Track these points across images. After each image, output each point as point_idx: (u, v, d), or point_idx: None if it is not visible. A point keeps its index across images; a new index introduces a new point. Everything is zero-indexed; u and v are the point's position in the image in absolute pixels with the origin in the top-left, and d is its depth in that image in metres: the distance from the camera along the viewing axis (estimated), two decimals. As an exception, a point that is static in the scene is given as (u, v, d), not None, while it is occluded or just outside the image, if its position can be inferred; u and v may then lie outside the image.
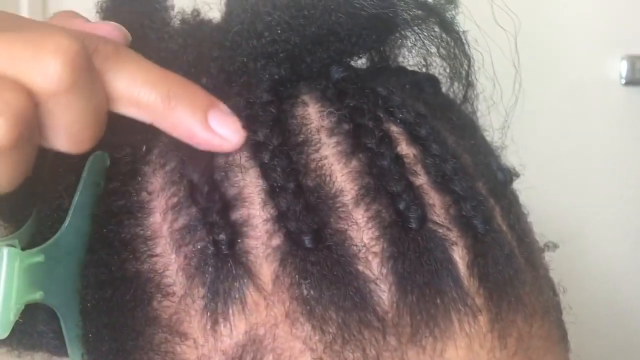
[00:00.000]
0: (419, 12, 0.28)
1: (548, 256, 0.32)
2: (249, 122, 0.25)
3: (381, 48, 0.31)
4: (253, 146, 0.25)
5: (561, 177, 0.95)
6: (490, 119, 0.33)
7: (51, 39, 0.21)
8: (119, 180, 0.26)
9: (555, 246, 0.33)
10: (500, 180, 0.29)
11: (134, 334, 0.25)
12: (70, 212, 0.25)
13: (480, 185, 0.27)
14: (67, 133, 0.23)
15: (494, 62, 0.32)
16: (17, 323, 0.23)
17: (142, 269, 0.25)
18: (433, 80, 0.31)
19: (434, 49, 0.30)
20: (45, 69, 0.21)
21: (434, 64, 0.31)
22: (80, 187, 0.25)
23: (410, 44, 0.30)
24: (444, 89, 0.32)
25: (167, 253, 0.24)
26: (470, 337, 0.23)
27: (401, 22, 0.28)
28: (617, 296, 0.98)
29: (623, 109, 0.98)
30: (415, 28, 0.29)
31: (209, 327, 0.23)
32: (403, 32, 0.29)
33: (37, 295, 0.24)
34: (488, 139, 0.32)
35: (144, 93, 0.23)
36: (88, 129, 0.23)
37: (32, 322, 0.27)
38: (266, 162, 0.24)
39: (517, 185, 0.32)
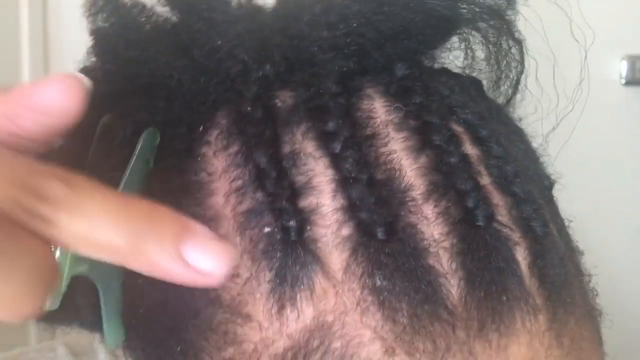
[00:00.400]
0: (484, 15, 0.29)
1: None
2: (317, 112, 0.25)
3: (443, 47, 0.31)
4: (322, 136, 0.25)
5: (560, 177, 0.95)
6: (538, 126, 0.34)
7: None
8: (174, 158, 0.26)
9: (581, 253, 0.33)
10: (547, 186, 0.30)
11: (192, 313, 0.25)
12: (121, 186, 0.25)
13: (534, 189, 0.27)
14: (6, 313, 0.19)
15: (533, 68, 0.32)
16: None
17: None
18: (477, 84, 0.31)
19: (484, 53, 0.30)
20: None
21: (475, 68, 0.31)
22: (133, 162, 0.25)
23: (458, 46, 0.30)
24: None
25: (230, 235, 0.24)
26: (531, 334, 0.24)
27: (464, 24, 0.29)
28: (617, 296, 0.98)
29: (623, 109, 0.98)
30: (475, 30, 0.29)
31: (274, 310, 0.23)
32: (463, 35, 0.29)
33: (83, 268, 0.24)
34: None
35: (105, 234, 0.19)
36: (23, 299, 0.19)
37: (72, 295, 0.27)
38: (337, 152, 0.24)
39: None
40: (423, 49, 0.29)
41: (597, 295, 0.30)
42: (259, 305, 0.24)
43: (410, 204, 0.24)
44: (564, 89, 0.39)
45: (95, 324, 0.27)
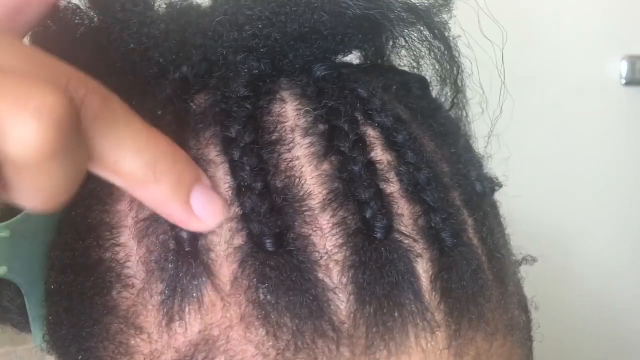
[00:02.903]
0: (408, 15, 0.28)
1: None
2: (222, 116, 0.25)
3: (373, 46, 0.30)
4: (224, 142, 0.24)
5: (561, 177, 0.95)
6: (496, 125, 0.33)
7: (35, 91, 0.17)
8: None
9: (534, 260, 0.32)
10: (478, 191, 0.28)
11: (91, 322, 0.25)
12: None
13: (456, 195, 0.26)
14: (37, 197, 0.19)
15: (488, 68, 0.31)
16: None
17: (104, 256, 0.24)
18: (422, 82, 0.31)
19: (425, 52, 0.30)
20: (22, 133, 0.17)
21: (425, 66, 0.31)
22: None
23: (401, 44, 0.30)
24: (435, 92, 0.32)
25: (129, 243, 0.24)
26: (425, 352, 0.23)
27: (389, 24, 0.28)
28: (616, 296, 0.98)
29: (623, 109, 0.98)
30: (405, 30, 0.29)
31: (164, 323, 0.23)
32: (393, 33, 0.29)
33: (1, 271, 0.24)
34: (481, 146, 0.32)
35: (128, 161, 0.20)
36: (63, 194, 0.19)
37: None
38: (235, 159, 0.24)
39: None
40: (343, 49, 0.28)
41: (523, 305, 0.29)
42: (151, 317, 0.23)
43: (306, 213, 0.23)
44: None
45: (24, 326, 0.28)
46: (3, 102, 0.17)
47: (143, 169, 0.20)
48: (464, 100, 0.32)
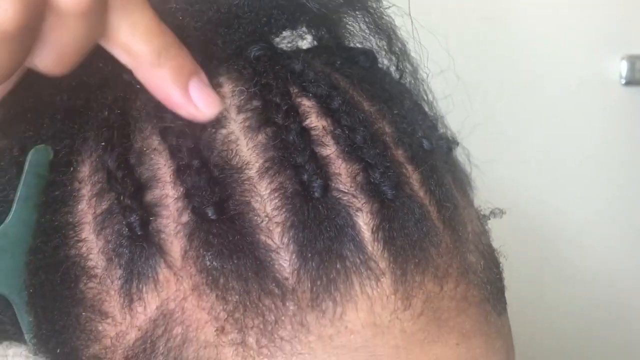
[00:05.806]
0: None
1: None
2: (159, 107, 0.26)
3: (322, 26, 0.32)
4: (162, 130, 0.26)
5: (561, 177, 0.95)
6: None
7: None
8: (56, 171, 0.27)
9: (502, 212, 0.33)
10: (425, 147, 0.29)
11: (63, 315, 0.26)
12: (14, 203, 0.26)
13: (400, 153, 0.28)
14: (58, 53, 0.23)
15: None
16: None
17: (70, 253, 0.26)
18: (367, 54, 0.32)
19: (364, 26, 0.32)
20: None
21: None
22: (23, 180, 0.26)
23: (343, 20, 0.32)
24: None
25: (90, 238, 0.26)
26: (372, 299, 0.24)
27: (309, 2, 0.29)
28: (617, 296, 0.98)
29: (623, 109, 0.98)
30: (330, 5, 0.30)
31: (125, 305, 0.25)
32: (314, 11, 0.30)
33: None
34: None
35: (138, 43, 0.24)
36: (76, 55, 0.23)
37: None
38: (173, 144, 0.26)
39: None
40: (271, 30, 0.30)
41: (485, 253, 0.29)
42: (113, 301, 0.25)
43: (245, 182, 0.25)
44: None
45: (19, 336, 0.29)
46: None
47: (150, 52, 0.24)
48: (412, 68, 0.34)
